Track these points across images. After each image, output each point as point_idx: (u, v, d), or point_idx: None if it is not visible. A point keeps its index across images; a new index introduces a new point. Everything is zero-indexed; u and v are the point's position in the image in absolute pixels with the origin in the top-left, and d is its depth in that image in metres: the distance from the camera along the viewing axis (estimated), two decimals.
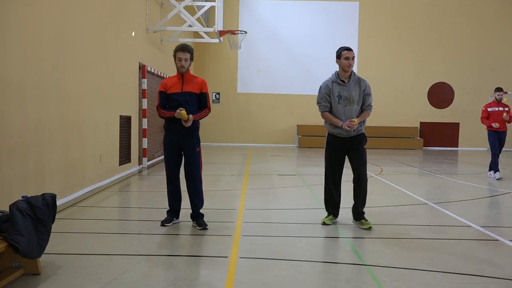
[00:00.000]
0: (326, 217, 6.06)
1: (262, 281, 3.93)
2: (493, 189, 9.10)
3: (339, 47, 5.88)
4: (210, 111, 5.78)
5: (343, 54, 5.75)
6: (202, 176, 5.87)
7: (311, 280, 4.00)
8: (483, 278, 4.08)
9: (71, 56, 7.31)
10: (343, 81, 5.81)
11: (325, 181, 6.11)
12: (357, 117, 5.77)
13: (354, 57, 5.76)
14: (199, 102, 5.74)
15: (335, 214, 6.09)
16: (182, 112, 5.46)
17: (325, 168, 6.08)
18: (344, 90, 5.78)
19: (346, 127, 5.67)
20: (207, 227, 5.65)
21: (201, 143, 5.86)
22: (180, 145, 5.72)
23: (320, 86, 5.95)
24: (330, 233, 5.59)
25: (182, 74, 5.72)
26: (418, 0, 21.60)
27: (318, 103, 5.96)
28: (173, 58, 5.72)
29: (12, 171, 5.58)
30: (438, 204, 7.41)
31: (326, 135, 6.07)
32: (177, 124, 5.59)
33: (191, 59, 5.72)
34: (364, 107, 5.87)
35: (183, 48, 5.65)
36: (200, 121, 5.81)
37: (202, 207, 5.84)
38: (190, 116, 5.52)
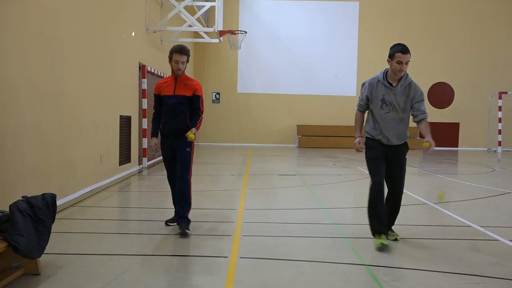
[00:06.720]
0: (379, 237, 4.96)
1: (262, 281, 3.93)
2: (493, 189, 9.10)
3: (393, 44, 5.01)
4: (202, 114, 5.60)
5: (396, 57, 4.89)
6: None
7: (311, 280, 4.00)
8: (483, 278, 4.08)
9: (71, 56, 7.31)
10: (390, 84, 5.05)
11: (370, 194, 5.11)
12: (426, 136, 5.00)
13: (408, 61, 4.90)
14: (191, 106, 5.52)
15: (386, 232, 5.09)
16: (190, 136, 5.32)
17: (371, 179, 5.14)
18: (389, 94, 5.04)
19: (356, 147, 5.20)
20: (186, 232, 5.27)
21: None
22: (173, 146, 5.57)
23: (364, 83, 5.26)
24: (330, 233, 5.58)
25: (177, 76, 5.55)
26: (418, 0, 21.60)
27: (359, 99, 5.33)
28: (169, 59, 5.51)
29: (12, 171, 5.57)
30: (438, 204, 7.41)
31: (365, 138, 5.27)
32: (170, 126, 5.54)
33: (187, 61, 5.55)
34: (420, 116, 5.05)
35: (180, 50, 5.42)
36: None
37: (187, 211, 5.48)
38: (194, 131, 5.36)
